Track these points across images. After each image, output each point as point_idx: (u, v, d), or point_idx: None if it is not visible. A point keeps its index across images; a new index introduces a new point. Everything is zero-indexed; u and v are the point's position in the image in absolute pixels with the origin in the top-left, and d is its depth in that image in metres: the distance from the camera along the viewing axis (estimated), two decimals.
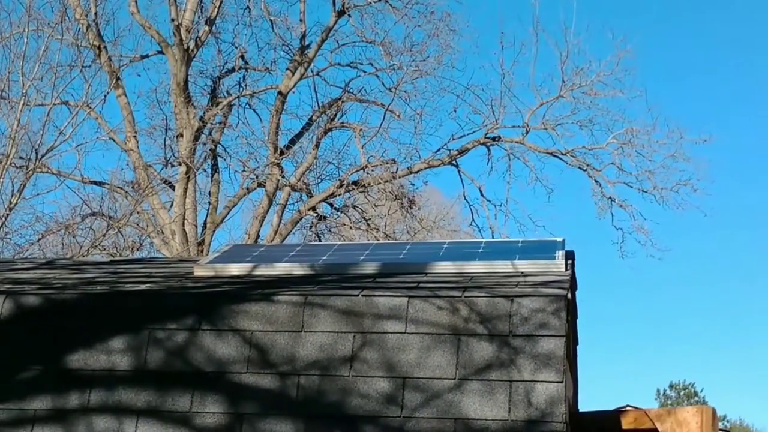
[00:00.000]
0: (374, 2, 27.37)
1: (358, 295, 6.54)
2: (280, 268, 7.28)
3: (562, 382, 6.12)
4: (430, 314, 6.37)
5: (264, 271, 7.23)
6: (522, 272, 6.98)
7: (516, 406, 6.08)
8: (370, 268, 7.25)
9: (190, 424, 6.21)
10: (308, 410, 6.19)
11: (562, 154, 27.22)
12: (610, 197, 27.14)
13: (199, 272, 7.34)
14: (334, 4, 27.15)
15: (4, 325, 6.61)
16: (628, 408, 7.81)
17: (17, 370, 6.44)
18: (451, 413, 6.11)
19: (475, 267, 7.15)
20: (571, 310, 6.74)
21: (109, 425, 6.23)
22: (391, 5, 27.28)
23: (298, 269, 7.25)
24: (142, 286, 7.00)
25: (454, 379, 6.19)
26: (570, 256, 7.37)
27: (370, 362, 6.29)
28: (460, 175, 27.82)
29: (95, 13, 25.70)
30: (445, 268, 7.17)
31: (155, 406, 6.28)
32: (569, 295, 6.51)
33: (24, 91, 22.45)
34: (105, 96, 26.05)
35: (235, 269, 7.28)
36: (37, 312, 6.66)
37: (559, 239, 7.79)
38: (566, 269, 7.03)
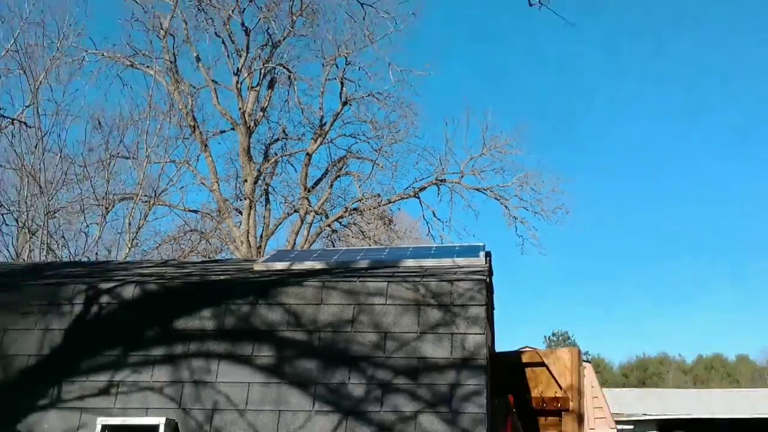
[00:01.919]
0: (365, 96, 27.53)
1: (356, 281, 6.56)
2: (307, 265, 7.29)
3: (483, 334, 6.15)
4: (401, 292, 6.40)
5: (297, 266, 7.25)
6: (459, 265, 7.00)
7: (455, 349, 6.10)
8: (363, 263, 7.26)
9: (251, 364, 6.22)
10: (326, 354, 6.20)
11: (484, 189, 27.32)
12: (514, 216, 27.21)
13: (257, 268, 7.34)
14: (340, 97, 27.25)
15: (135, 303, 6.63)
16: (526, 348, 7.80)
17: (143, 331, 6.45)
18: (415, 354, 6.13)
19: (430, 262, 7.16)
20: (489, 289, 6.77)
21: (202, 365, 6.24)
22: (375, 98, 27.38)
23: (318, 265, 7.26)
24: (222, 276, 7.02)
25: (417, 333, 6.21)
26: (488, 255, 7.40)
27: (364, 323, 6.30)
28: (421, 204, 27.93)
29: (191, 105, 25.74)
30: (410, 263, 7.18)
31: (230, 352, 6.28)
32: (487, 280, 6.55)
33: (147, 154, 22.50)
34: (198, 157, 26.19)
35: (279, 266, 7.29)
36: (155, 294, 6.67)
37: (481, 244, 7.81)
38: (486, 263, 7.05)
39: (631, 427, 33.00)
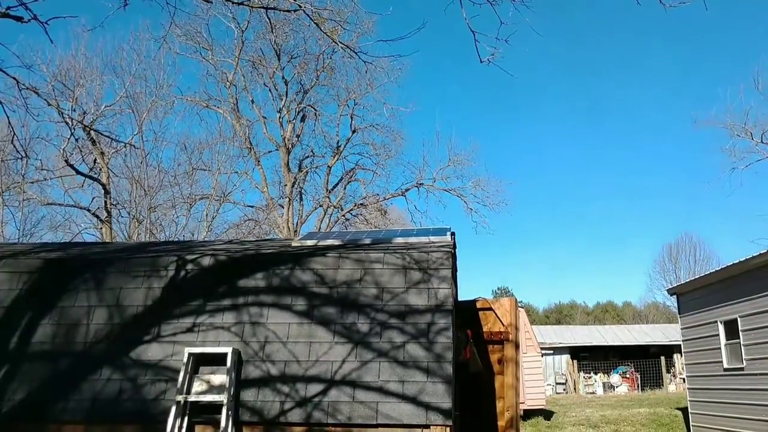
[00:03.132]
0: (368, 127, 27.45)
1: (362, 252, 6.52)
2: (329, 242, 7.22)
3: (450, 288, 6.12)
4: (393, 260, 6.35)
5: (322, 242, 7.19)
6: (432, 242, 6.95)
7: (431, 299, 6.07)
8: (367, 240, 7.21)
9: (291, 310, 6.18)
10: (342, 302, 6.16)
11: (450, 190, 27.21)
12: (470, 208, 27.16)
13: (294, 244, 7.29)
14: (350, 127, 27.17)
15: (210, 269, 6.57)
16: (479, 298, 7.77)
17: (216, 289, 6.39)
18: (404, 302, 6.08)
19: (413, 239, 7.09)
20: (453, 257, 6.73)
21: (256, 311, 6.19)
22: (375, 128, 27.32)
23: (336, 242, 7.20)
24: (270, 250, 6.97)
25: (404, 288, 6.17)
26: (453, 234, 7.32)
27: (368, 281, 6.26)
28: (406, 200, 27.83)
29: (248, 133, 25.65)
30: (399, 240, 7.12)
31: (275, 302, 6.23)
32: (452, 252, 6.50)
33: (218, 167, 22.44)
34: (253, 169, 26.11)
35: (310, 242, 7.22)
36: (224, 263, 6.62)
37: (448, 227, 7.75)
38: (451, 240, 6.99)
39: (552, 351, 33.05)
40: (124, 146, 20.86)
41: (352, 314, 6.09)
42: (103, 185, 21.50)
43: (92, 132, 20.75)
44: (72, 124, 19.55)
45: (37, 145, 20.88)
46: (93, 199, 22.25)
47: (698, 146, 76.48)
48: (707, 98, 66.66)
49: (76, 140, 20.31)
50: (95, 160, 21.70)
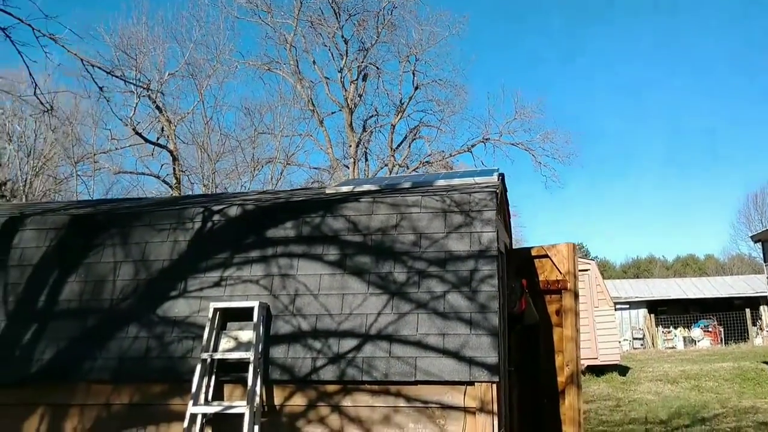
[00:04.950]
0: (431, 82, 26.58)
1: (399, 196, 5.83)
2: (365, 187, 6.52)
3: (495, 232, 5.37)
4: (432, 203, 5.64)
5: (357, 189, 6.51)
6: (477, 183, 6.16)
7: (473, 244, 5.35)
8: (406, 184, 6.51)
9: (323, 260, 5.59)
10: (377, 251, 5.52)
11: (518, 144, 26.13)
12: (539, 162, 26.01)
13: (328, 191, 6.66)
14: (413, 84, 26.42)
15: (237, 219, 6.04)
16: (535, 246, 6.98)
17: (244, 240, 5.87)
18: (444, 249, 5.40)
19: (456, 181, 6.33)
20: (501, 199, 5.97)
21: (286, 262, 5.63)
22: (438, 83, 26.47)
23: (372, 187, 6.50)
24: (301, 198, 6.36)
25: (444, 233, 5.47)
26: (501, 175, 6.46)
27: (405, 227, 5.59)
28: (473, 156, 26.99)
29: (310, 95, 25.27)
30: (441, 183, 6.37)
31: (306, 252, 5.65)
32: (497, 192, 5.72)
33: (281, 129, 22.11)
34: (317, 130, 25.84)
35: (344, 189, 6.58)
36: (252, 212, 6.08)
37: (496, 168, 7.00)
38: (498, 181, 6.19)
39: (627, 305, 31.64)
40: (188, 112, 20.82)
41: (387, 263, 5.45)
42: (171, 152, 21.60)
43: (158, 100, 20.79)
44: (137, 93, 19.60)
45: (107, 114, 21.13)
46: (162, 166, 22.46)
47: None
48: None
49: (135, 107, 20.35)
50: (162, 128, 21.81)
